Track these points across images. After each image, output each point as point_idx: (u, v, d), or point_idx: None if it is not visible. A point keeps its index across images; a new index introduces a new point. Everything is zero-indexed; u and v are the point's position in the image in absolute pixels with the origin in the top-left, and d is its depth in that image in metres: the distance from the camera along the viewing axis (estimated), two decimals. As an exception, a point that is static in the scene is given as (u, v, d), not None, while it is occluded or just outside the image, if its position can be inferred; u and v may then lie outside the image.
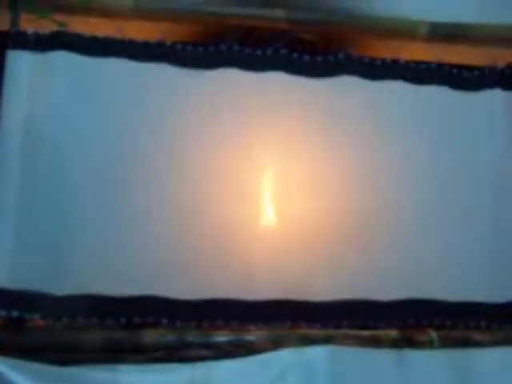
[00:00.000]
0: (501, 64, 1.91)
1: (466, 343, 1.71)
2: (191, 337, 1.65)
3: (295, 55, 1.84)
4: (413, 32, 1.88)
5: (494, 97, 1.89)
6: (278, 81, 1.82)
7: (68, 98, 1.73)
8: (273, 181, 1.80)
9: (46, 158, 1.71)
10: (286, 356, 1.64)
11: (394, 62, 1.87)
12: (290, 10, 1.85)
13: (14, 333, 1.64)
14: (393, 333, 1.71)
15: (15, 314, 1.64)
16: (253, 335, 1.68)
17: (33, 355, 1.55)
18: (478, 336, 1.73)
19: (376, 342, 1.69)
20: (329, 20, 1.88)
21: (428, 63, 1.89)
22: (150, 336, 1.64)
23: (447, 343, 1.70)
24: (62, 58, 1.73)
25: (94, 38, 1.77)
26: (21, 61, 1.72)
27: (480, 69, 1.91)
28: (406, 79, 1.86)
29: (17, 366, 1.52)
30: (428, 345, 1.69)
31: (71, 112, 1.73)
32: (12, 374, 1.51)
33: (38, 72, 1.72)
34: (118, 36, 1.78)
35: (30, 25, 1.75)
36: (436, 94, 1.87)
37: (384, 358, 1.66)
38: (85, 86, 1.75)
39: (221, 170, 1.77)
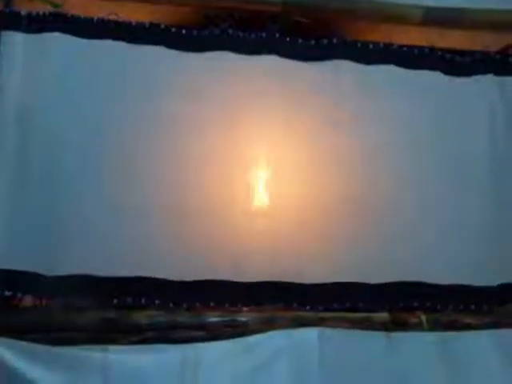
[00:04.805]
0: (493, 49, 1.92)
1: (455, 326, 1.72)
2: (183, 318, 1.66)
3: (289, 39, 1.85)
4: (407, 16, 1.88)
5: (488, 82, 1.90)
6: (271, 64, 1.82)
7: (61, 80, 1.74)
8: (265, 163, 1.80)
9: (40, 141, 1.71)
10: (277, 338, 1.65)
11: (387, 46, 1.88)
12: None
13: (7, 312, 1.65)
14: (383, 315, 1.72)
15: (8, 293, 1.65)
16: (245, 316, 1.69)
17: (25, 334, 1.56)
18: (467, 319, 1.74)
19: (366, 325, 1.70)
20: (324, 4, 1.88)
21: (421, 48, 1.89)
22: (142, 317, 1.65)
23: (436, 326, 1.71)
24: (56, 40, 1.74)
25: (89, 20, 1.77)
26: (14, 41, 1.72)
27: (472, 54, 1.91)
28: (398, 63, 1.87)
29: (8, 345, 1.54)
30: (418, 327, 1.70)
31: (64, 94, 1.73)
32: (4, 352, 1.53)
33: (31, 53, 1.73)
34: (113, 18, 1.78)
35: (24, 5, 1.75)
36: (428, 79, 1.88)
37: (374, 340, 1.67)
38: (79, 68, 1.75)
39: (213, 152, 1.77)
